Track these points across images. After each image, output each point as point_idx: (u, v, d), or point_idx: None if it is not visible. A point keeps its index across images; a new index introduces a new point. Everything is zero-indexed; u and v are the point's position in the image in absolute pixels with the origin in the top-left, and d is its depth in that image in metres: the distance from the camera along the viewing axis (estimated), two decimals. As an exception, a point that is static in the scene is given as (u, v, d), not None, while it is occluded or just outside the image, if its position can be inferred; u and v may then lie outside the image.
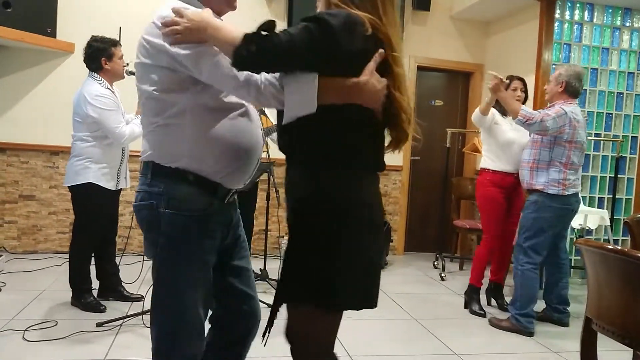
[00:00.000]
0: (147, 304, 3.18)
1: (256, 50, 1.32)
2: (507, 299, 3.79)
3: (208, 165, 1.53)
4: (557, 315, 3.59)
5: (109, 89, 3.26)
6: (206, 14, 1.44)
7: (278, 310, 1.56)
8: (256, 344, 1.78)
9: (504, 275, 4.03)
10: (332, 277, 1.43)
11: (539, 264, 3.47)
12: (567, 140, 3.32)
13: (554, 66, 4.85)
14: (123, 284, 3.58)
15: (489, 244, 3.81)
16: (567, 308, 3.60)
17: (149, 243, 1.57)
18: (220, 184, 1.58)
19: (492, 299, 4.03)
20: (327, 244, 1.42)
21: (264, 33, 1.34)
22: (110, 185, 3.29)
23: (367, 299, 1.51)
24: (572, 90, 3.39)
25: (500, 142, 3.77)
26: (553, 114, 3.29)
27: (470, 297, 3.87)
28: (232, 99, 1.55)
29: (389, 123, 1.53)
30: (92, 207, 3.28)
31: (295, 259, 1.48)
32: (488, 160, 3.87)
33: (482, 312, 3.76)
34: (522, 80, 3.88)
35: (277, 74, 1.43)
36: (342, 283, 1.43)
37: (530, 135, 3.55)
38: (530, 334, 3.35)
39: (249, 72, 1.41)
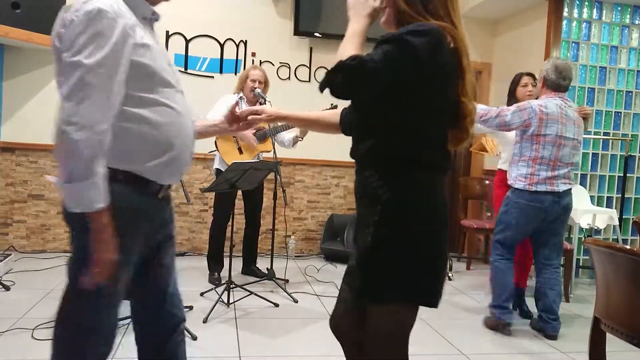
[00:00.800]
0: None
1: (342, 81, 1.38)
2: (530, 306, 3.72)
3: (134, 161, 1.48)
4: (541, 324, 3.37)
5: None
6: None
7: (365, 310, 1.58)
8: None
9: (525, 280, 3.83)
10: (430, 274, 1.52)
11: (511, 258, 3.40)
12: (534, 134, 3.21)
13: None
14: None
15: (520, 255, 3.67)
16: (553, 318, 3.33)
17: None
18: (151, 181, 1.53)
19: (516, 306, 3.79)
20: (421, 242, 1.49)
21: (352, 62, 1.36)
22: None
23: (441, 294, 1.60)
24: (550, 83, 3.29)
25: (509, 142, 3.71)
26: (514, 108, 3.25)
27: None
28: (154, 93, 1.50)
29: (453, 124, 1.57)
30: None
31: (388, 258, 1.48)
32: (502, 160, 3.86)
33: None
34: (531, 75, 3.83)
35: None
36: (434, 280, 1.55)
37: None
38: (505, 325, 3.33)
39: None
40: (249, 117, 1.88)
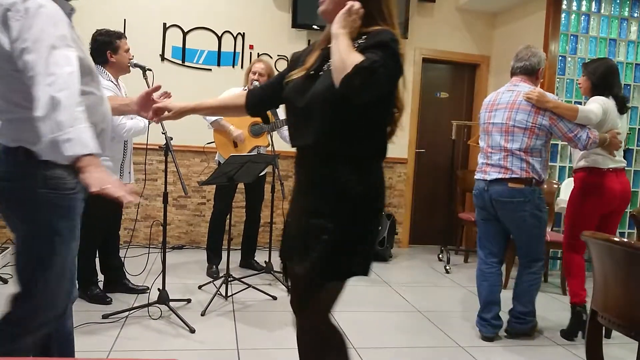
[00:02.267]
0: (153, 296, 3.21)
1: (360, 85, 1.46)
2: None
3: None
4: (514, 323, 3.17)
5: (112, 81, 3.26)
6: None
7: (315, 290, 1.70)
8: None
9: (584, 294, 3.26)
10: (371, 253, 1.71)
11: (489, 261, 3.17)
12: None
13: (560, 58, 4.82)
14: (128, 276, 3.60)
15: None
16: (526, 317, 3.13)
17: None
18: None
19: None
20: (372, 225, 1.69)
21: (371, 66, 1.46)
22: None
23: None
24: (511, 70, 3.21)
25: None
26: None
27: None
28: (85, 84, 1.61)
29: (390, 118, 1.74)
30: (95, 200, 3.29)
31: (345, 242, 1.62)
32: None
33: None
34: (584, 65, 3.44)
35: None
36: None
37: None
38: (484, 339, 3.13)
39: None
40: (154, 107, 1.96)
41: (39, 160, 1.56)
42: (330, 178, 1.62)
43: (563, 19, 4.83)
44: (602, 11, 4.93)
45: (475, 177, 3.19)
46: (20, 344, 1.67)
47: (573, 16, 4.88)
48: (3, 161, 1.62)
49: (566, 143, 3.18)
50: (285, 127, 4.03)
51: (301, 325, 1.82)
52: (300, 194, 1.75)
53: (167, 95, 2.65)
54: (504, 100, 3.11)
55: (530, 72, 3.12)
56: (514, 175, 2.99)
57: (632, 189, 5.00)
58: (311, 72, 1.67)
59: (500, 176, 3.02)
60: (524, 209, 2.99)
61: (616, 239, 1.67)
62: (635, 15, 5.00)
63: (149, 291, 3.43)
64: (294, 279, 1.80)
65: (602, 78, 3.17)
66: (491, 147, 3.09)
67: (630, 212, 4.78)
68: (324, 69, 1.64)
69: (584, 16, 4.91)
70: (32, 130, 1.46)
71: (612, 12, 4.95)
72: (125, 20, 4.81)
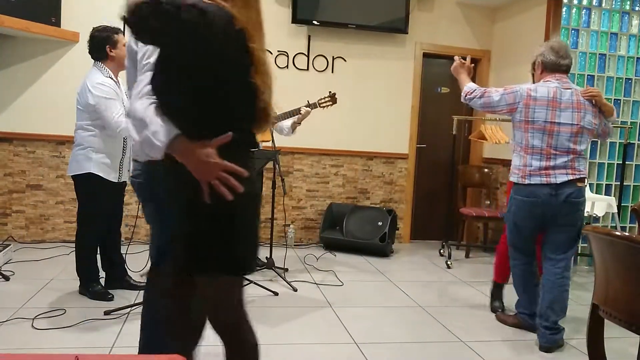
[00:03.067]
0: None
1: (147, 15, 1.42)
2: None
3: None
4: (538, 330, 3.04)
5: (111, 78, 3.25)
6: None
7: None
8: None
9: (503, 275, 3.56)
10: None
11: (530, 261, 3.15)
12: (522, 121, 2.97)
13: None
14: (130, 272, 3.60)
15: None
16: (546, 326, 2.96)
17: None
18: None
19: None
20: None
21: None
22: (111, 177, 3.28)
23: None
24: (549, 65, 3.00)
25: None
26: (502, 89, 3.06)
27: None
28: None
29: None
30: (94, 197, 3.30)
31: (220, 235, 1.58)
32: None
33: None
34: None
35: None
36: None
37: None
38: (529, 327, 3.17)
39: None
40: None
41: None
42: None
43: (564, 12, 4.82)
44: (604, 5, 4.91)
45: (529, 182, 2.95)
46: None
47: (574, 10, 4.86)
48: None
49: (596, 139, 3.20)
50: (284, 121, 4.03)
51: None
52: None
53: None
54: (567, 99, 2.94)
55: (569, 71, 3.06)
56: (581, 176, 2.95)
57: (633, 184, 5.02)
58: None
59: (570, 178, 2.91)
60: (581, 208, 3.00)
61: (617, 233, 1.67)
62: (637, 9, 4.98)
63: None
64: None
65: None
66: (555, 149, 2.92)
67: (631, 206, 4.78)
68: None
69: (584, 10, 4.89)
70: None
71: (613, 6, 4.93)
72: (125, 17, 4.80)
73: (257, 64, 1.54)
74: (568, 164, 2.92)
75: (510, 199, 3.11)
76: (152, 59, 1.63)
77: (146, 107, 1.50)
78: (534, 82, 3.15)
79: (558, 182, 2.90)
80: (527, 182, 2.94)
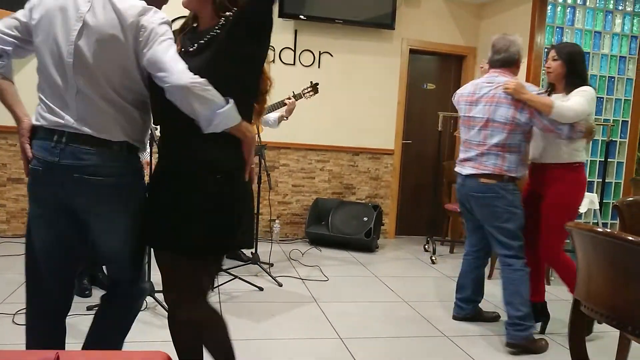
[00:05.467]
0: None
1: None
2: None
3: None
4: (513, 331, 2.91)
5: None
6: None
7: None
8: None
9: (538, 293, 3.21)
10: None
11: (474, 256, 3.31)
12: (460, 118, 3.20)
13: (545, 49, 4.84)
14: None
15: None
16: (507, 322, 2.94)
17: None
18: None
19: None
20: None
21: None
22: None
23: None
24: (489, 61, 3.09)
25: None
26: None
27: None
28: None
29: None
30: None
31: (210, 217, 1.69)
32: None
33: None
34: (554, 48, 3.15)
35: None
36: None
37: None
38: (454, 318, 3.38)
39: None
40: None
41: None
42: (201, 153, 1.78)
43: (549, 10, 4.85)
44: (588, 3, 4.96)
45: (455, 169, 3.22)
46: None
47: (559, 8, 4.90)
48: None
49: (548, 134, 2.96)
50: (270, 114, 4.01)
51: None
52: None
53: None
54: (483, 93, 2.99)
55: (510, 64, 3.01)
56: (485, 171, 2.95)
57: (615, 180, 5.09)
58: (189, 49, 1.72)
59: (473, 172, 3.00)
60: (495, 205, 2.94)
61: (600, 229, 1.69)
62: (620, 8, 5.04)
63: None
64: None
65: (580, 63, 3.01)
66: (469, 142, 3.06)
67: (613, 203, 4.84)
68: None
69: (569, 8, 4.94)
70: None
71: (597, 5, 4.98)
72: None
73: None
74: (476, 157, 3.00)
75: None
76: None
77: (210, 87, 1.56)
78: (566, 72, 3.01)
79: (463, 174, 3.08)
80: (454, 170, 3.22)
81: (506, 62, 3.00)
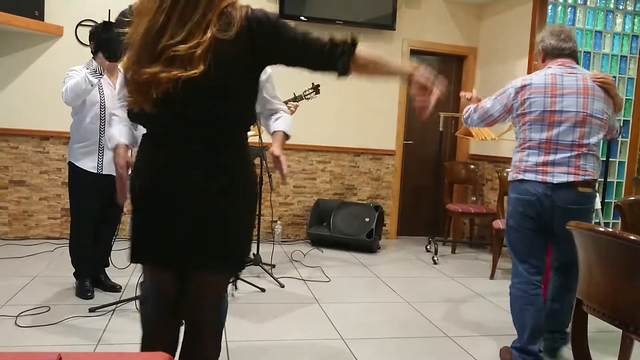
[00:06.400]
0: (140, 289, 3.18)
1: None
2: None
3: None
4: (562, 340, 2.72)
5: (95, 70, 3.11)
6: None
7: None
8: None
9: None
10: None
11: (532, 282, 2.57)
12: (518, 115, 2.59)
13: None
14: (109, 269, 3.50)
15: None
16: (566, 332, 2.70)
17: None
18: None
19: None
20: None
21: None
22: (89, 166, 3.22)
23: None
24: (550, 50, 2.63)
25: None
26: (493, 96, 2.70)
27: None
28: None
29: None
30: (73, 187, 3.30)
31: (244, 232, 1.68)
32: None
33: None
34: None
35: None
36: None
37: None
38: None
39: None
40: None
41: None
42: (234, 165, 1.75)
43: (549, 10, 4.85)
44: (588, 3, 4.95)
45: (523, 177, 2.54)
46: None
47: (559, 8, 4.90)
48: None
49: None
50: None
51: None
52: None
53: None
54: (570, 84, 2.52)
55: (576, 55, 2.64)
56: (587, 177, 2.46)
57: (616, 180, 5.08)
58: None
59: (572, 179, 2.45)
60: (589, 219, 2.53)
61: (601, 228, 1.69)
62: (621, 7, 5.04)
63: (120, 290, 3.44)
64: None
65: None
66: (556, 142, 2.48)
67: (614, 202, 4.84)
68: None
69: (570, 8, 4.93)
70: None
71: (598, 4, 4.98)
72: (109, 10, 4.74)
73: None
74: (571, 160, 2.47)
75: (507, 202, 2.70)
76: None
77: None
78: None
79: (555, 182, 2.47)
80: (520, 177, 2.55)
81: (575, 52, 2.64)
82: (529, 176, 2.52)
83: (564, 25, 2.86)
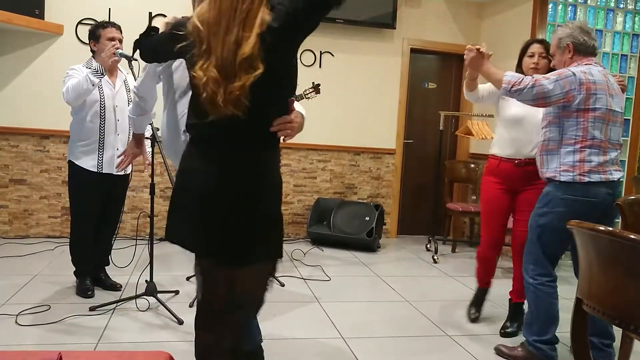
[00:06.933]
0: (141, 287, 3.18)
1: None
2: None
3: None
4: (594, 353, 2.58)
5: (96, 70, 3.10)
6: None
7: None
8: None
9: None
10: None
11: (555, 278, 2.65)
12: (579, 109, 2.46)
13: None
14: (109, 268, 3.51)
15: (479, 254, 3.24)
16: (608, 344, 2.62)
17: None
18: None
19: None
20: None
21: None
22: (89, 165, 3.22)
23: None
24: (582, 47, 2.56)
25: (502, 120, 3.08)
26: (554, 76, 2.48)
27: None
28: None
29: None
30: (73, 185, 3.30)
31: (274, 223, 1.69)
32: (493, 143, 3.16)
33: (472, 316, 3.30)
34: (542, 42, 3.00)
35: None
36: None
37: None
38: None
39: None
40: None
41: None
42: (263, 165, 1.77)
43: (550, 9, 4.85)
44: (589, 2, 4.95)
45: (589, 179, 2.47)
46: None
47: (560, 6, 4.89)
48: None
49: None
50: None
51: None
52: None
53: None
54: (615, 85, 2.55)
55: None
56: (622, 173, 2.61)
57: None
58: None
59: (620, 175, 2.56)
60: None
61: (601, 227, 1.68)
62: (621, 6, 5.03)
63: (120, 289, 3.44)
64: None
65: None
66: (609, 142, 2.51)
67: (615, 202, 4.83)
68: None
69: (570, 7, 4.93)
70: None
71: (598, 3, 4.97)
72: (110, 9, 4.75)
73: None
74: (617, 159, 2.56)
75: (550, 200, 2.57)
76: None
77: None
78: (554, 69, 2.66)
79: (614, 179, 2.50)
80: (586, 179, 2.46)
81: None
82: (595, 177, 2.48)
83: (586, 22, 2.78)
